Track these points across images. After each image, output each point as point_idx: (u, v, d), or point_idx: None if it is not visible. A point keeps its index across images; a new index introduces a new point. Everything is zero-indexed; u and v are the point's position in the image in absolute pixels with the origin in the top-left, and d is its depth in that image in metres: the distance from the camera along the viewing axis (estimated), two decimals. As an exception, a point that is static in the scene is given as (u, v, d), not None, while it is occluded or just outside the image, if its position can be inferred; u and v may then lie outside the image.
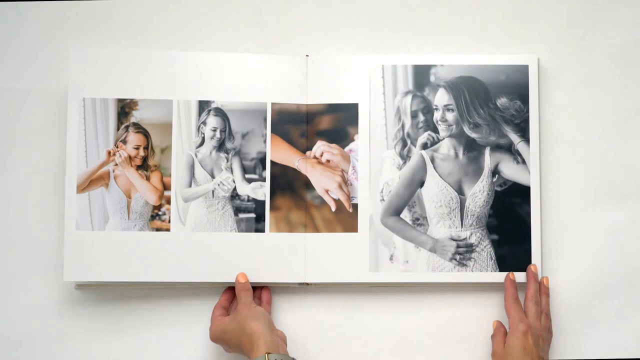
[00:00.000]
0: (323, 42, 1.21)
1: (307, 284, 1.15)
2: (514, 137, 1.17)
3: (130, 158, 1.16)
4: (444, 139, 1.17)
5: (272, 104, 1.17)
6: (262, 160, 1.17)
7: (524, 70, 1.17)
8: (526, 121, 1.17)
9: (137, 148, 1.16)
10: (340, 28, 1.21)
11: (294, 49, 1.20)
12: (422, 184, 1.17)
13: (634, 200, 1.18)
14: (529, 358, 1.06)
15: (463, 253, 1.15)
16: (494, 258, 1.15)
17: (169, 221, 1.15)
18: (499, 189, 1.16)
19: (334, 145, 1.18)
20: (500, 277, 1.15)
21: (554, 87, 1.19)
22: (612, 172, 1.18)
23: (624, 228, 1.17)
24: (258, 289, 1.15)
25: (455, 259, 1.15)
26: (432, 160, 1.17)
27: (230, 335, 1.08)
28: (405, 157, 1.17)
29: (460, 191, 1.16)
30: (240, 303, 1.10)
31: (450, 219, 1.16)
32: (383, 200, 1.16)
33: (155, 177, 1.16)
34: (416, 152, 1.17)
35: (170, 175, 1.16)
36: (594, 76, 1.20)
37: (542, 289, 1.14)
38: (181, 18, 1.22)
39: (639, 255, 1.17)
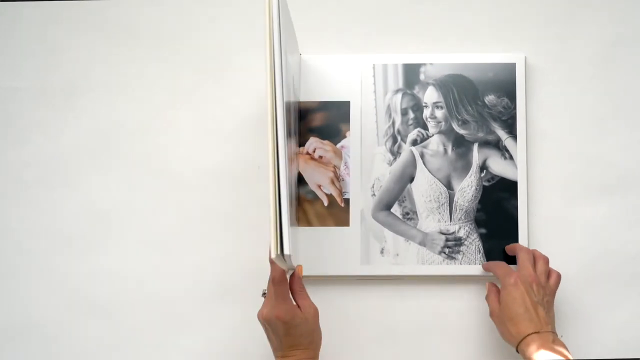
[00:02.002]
0: (316, 42, 1.24)
1: (300, 276, 1.18)
2: (502, 134, 1.19)
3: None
4: (433, 135, 1.20)
5: (266, 101, 1.20)
6: (256, 157, 1.20)
7: (511, 68, 1.20)
8: (513, 118, 1.19)
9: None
10: (332, 28, 1.24)
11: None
12: (412, 179, 1.20)
13: (617, 195, 1.20)
14: (522, 307, 1.06)
15: (452, 246, 1.18)
16: (482, 251, 1.18)
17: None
18: (487, 184, 1.19)
19: (326, 141, 1.21)
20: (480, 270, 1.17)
21: (539, 85, 1.22)
22: (595, 168, 1.20)
23: (607, 222, 1.19)
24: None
25: (444, 252, 1.18)
26: (422, 156, 1.20)
27: (295, 335, 1.06)
28: (395, 153, 1.20)
29: (449, 186, 1.19)
30: (313, 314, 1.08)
31: (440, 213, 1.19)
32: (374, 195, 1.19)
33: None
34: (406, 148, 1.20)
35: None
36: (577, 74, 1.22)
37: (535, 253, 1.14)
38: (177, 18, 1.25)
39: (622, 249, 1.19)
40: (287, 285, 1.06)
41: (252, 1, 1.25)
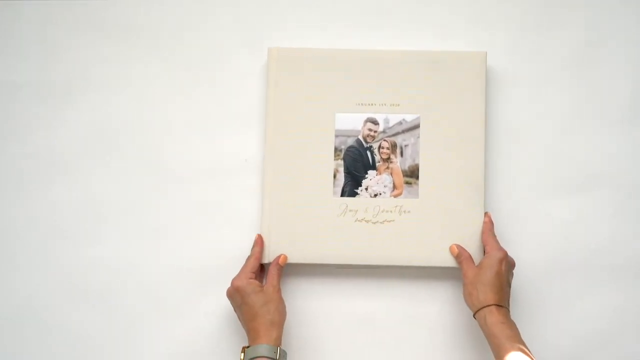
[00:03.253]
0: (292, 37, 1.27)
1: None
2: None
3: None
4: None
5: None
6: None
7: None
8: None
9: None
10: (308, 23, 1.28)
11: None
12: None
13: (578, 194, 1.24)
14: (499, 279, 1.13)
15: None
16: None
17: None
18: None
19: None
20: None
21: (506, 86, 1.25)
22: (562, 166, 1.24)
23: (569, 220, 1.23)
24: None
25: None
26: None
27: (249, 307, 1.13)
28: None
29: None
30: (274, 285, 1.16)
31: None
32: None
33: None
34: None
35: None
36: (543, 76, 1.26)
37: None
38: (175, 17, 1.29)
39: (583, 246, 1.23)
40: (253, 263, 1.16)
41: (250, 1, 1.29)
